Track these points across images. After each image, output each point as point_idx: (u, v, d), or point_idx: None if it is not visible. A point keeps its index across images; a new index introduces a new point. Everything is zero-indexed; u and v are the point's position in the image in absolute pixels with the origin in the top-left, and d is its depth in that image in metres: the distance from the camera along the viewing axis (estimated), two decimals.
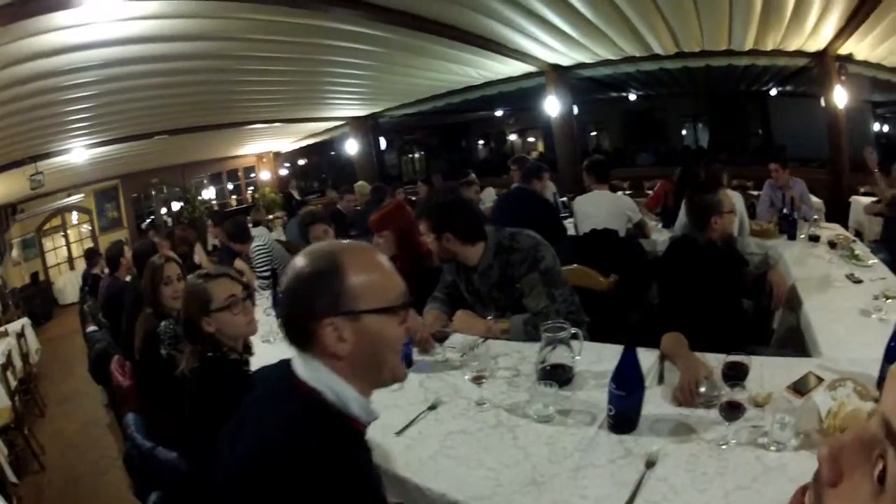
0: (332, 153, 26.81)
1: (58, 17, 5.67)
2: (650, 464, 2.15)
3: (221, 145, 19.08)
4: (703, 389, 2.46)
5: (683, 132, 25.44)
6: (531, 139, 29.33)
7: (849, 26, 8.61)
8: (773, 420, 2.15)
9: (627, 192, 9.82)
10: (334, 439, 1.51)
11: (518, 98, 16.50)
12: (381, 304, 1.60)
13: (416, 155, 32.31)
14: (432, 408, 2.80)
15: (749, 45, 10.30)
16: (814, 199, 7.99)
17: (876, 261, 4.91)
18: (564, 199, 9.38)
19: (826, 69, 10.60)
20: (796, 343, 3.94)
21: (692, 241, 3.95)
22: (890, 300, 3.72)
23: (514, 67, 12.31)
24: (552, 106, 12.99)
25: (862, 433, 0.70)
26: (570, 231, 7.06)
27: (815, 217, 6.77)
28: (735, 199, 4.77)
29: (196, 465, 2.53)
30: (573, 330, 2.90)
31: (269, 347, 3.93)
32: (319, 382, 1.57)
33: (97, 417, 7.12)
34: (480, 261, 3.68)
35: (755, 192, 8.69)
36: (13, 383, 6.79)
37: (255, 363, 2.86)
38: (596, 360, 3.03)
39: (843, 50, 10.03)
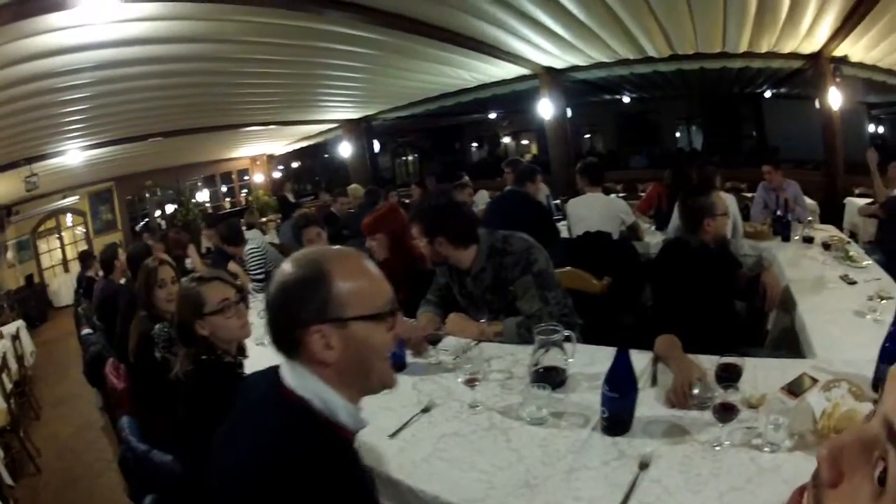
0: (326, 156, 26.74)
1: (53, 19, 5.66)
2: (644, 465, 2.15)
3: (215, 148, 19.08)
4: (696, 391, 2.46)
5: (677, 134, 25.45)
6: (525, 142, 29.36)
7: (844, 28, 8.62)
8: (767, 421, 2.15)
9: (621, 195, 9.88)
10: (322, 449, 1.51)
11: (511, 101, 16.47)
12: (368, 311, 1.59)
13: (410, 158, 32.33)
14: (425, 410, 2.80)
15: (743, 48, 10.33)
16: (808, 200, 8.03)
17: (870, 262, 4.91)
18: (558, 201, 9.44)
19: (821, 71, 10.62)
20: (790, 344, 3.95)
21: (685, 243, 3.95)
22: (884, 301, 3.71)
23: (507, 70, 12.29)
24: (546, 108, 12.98)
25: (862, 434, 0.70)
26: (564, 233, 7.06)
27: (809, 219, 6.77)
28: (728, 201, 4.79)
29: (190, 467, 2.53)
30: (566, 332, 2.89)
31: (263, 350, 3.89)
32: (307, 390, 1.56)
33: (92, 420, 7.12)
34: (473, 264, 3.67)
35: (749, 194, 8.73)
36: (8, 386, 6.78)
37: (250, 366, 2.86)
38: (589, 362, 3.02)
39: (838, 52, 10.06)
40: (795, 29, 8.98)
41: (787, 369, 2.72)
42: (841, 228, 7.96)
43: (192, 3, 6.19)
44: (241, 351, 2.95)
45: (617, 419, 2.40)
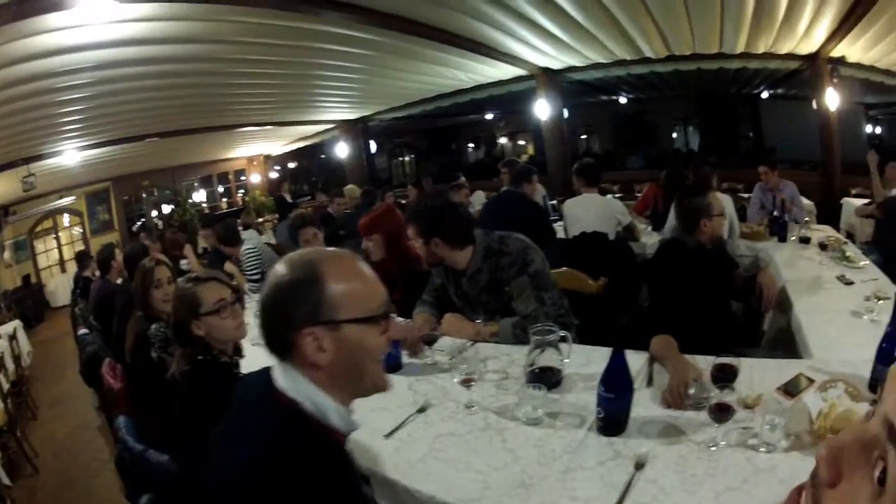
0: (323, 156, 26.79)
1: (51, 19, 5.66)
2: (639, 465, 2.15)
3: (212, 148, 19.09)
4: (692, 391, 2.46)
5: (674, 135, 25.49)
6: (521, 142, 29.35)
7: (841, 29, 8.62)
8: (763, 421, 2.15)
9: (617, 196, 9.88)
10: (312, 452, 1.51)
11: (508, 101, 16.48)
12: (361, 314, 1.58)
13: (406, 158, 32.27)
14: (421, 410, 2.80)
15: (740, 48, 10.34)
16: (805, 201, 8.03)
17: (867, 262, 4.91)
18: (554, 202, 9.43)
19: (818, 71, 10.64)
20: (787, 345, 3.95)
21: (681, 243, 3.96)
22: (881, 301, 3.71)
23: (504, 71, 12.31)
24: (542, 109, 13.01)
25: (861, 434, 0.70)
26: (560, 234, 7.07)
27: (806, 219, 6.78)
28: (724, 201, 4.79)
29: (187, 467, 2.53)
30: (562, 333, 2.90)
31: (259, 350, 3.90)
32: (298, 393, 1.56)
33: (89, 420, 7.12)
34: (469, 264, 3.67)
35: (746, 195, 8.73)
36: (5, 386, 6.79)
37: (246, 366, 2.86)
38: (585, 362, 3.03)
39: (836, 52, 10.07)
40: (792, 30, 8.99)
41: (784, 370, 2.72)
42: (838, 229, 7.99)
43: (188, 4, 6.19)
44: (238, 351, 2.95)
45: (612, 419, 2.40)
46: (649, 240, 6.97)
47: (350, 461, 1.72)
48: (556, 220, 7.77)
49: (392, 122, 19.30)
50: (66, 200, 17.85)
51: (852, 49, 9.82)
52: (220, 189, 23.96)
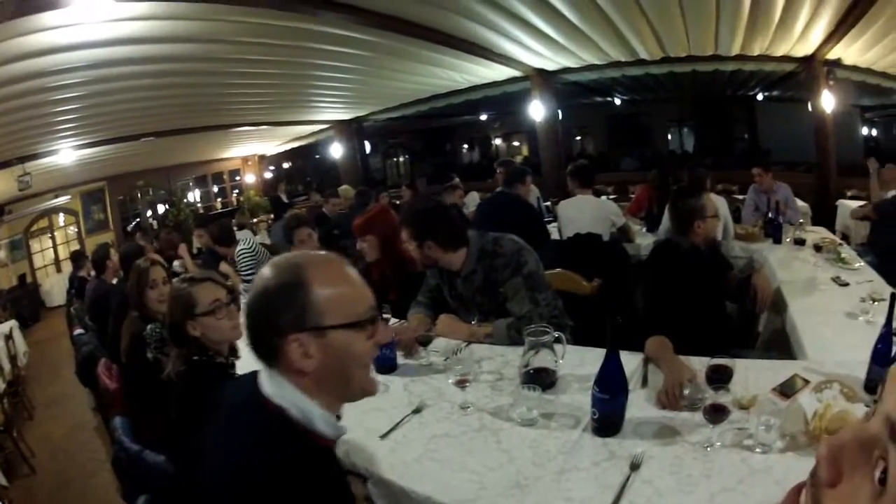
0: (317, 156, 26.69)
1: (47, 17, 5.64)
2: (635, 466, 2.16)
3: (207, 148, 19.07)
4: (687, 392, 2.47)
5: (669, 137, 25.51)
6: (516, 143, 29.39)
7: (838, 31, 8.63)
8: (759, 422, 2.16)
9: (611, 197, 9.88)
10: (299, 458, 1.50)
11: (503, 102, 16.53)
12: (347, 319, 1.56)
13: (401, 159, 32.30)
14: (416, 411, 2.81)
15: (736, 51, 10.33)
16: (800, 202, 8.06)
17: (862, 264, 4.92)
18: (548, 203, 9.44)
19: (814, 74, 10.66)
20: (781, 346, 3.96)
21: (675, 245, 3.96)
22: (877, 303, 3.72)
23: (498, 72, 12.31)
24: (537, 110, 12.99)
25: (862, 433, 0.69)
26: (554, 235, 7.06)
27: (801, 221, 6.80)
28: (719, 203, 4.81)
29: (183, 468, 2.53)
30: (556, 334, 2.90)
31: None
32: (284, 399, 1.54)
33: (85, 420, 7.10)
34: (463, 266, 3.68)
35: (740, 197, 8.74)
36: (2, 386, 6.78)
37: (241, 367, 2.86)
38: (579, 363, 3.04)
39: (832, 55, 10.08)
40: (788, 32, 8.99)
41: (779, 370, 2.73)
42: (833, 231, 7.99)
43: (184, 3, 6.18)
44: (233, 352, 2.94)
45: (607, 420, 2.41)
46: (644, 241, 6.96)
47: (338, 467, 1.72)
48: (550, 222, 7.78)
49: (387, 123, 19.27)
50: (62, 200, 17.79)
51: (848, 51, 9.83)
52: (215, 189, 23.93)
